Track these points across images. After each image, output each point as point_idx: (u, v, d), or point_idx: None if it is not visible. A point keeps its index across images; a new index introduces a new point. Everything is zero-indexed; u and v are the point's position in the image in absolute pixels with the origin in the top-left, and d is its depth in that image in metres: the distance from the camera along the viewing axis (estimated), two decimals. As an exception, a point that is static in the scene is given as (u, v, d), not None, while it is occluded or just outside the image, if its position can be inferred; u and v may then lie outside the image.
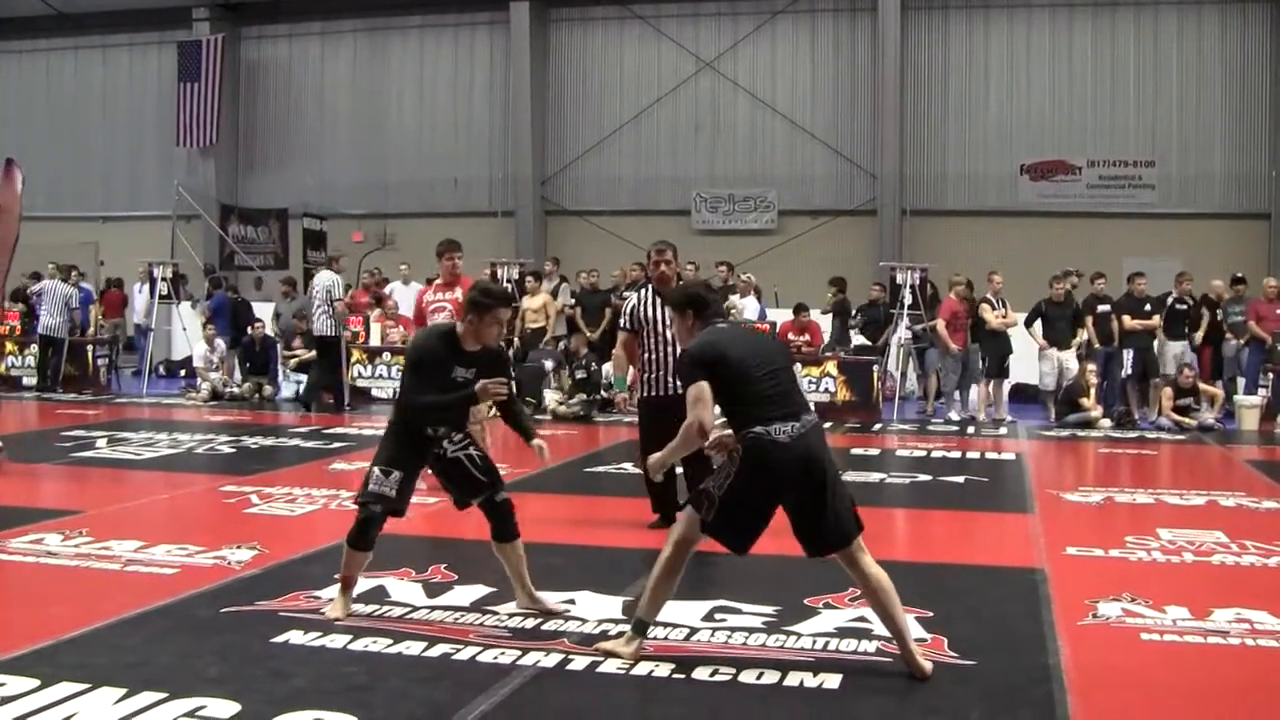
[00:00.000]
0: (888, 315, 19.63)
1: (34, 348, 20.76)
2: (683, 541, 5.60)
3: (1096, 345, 17.79)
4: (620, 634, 5.79)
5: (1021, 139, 24.85)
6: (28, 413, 18.01)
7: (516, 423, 6.74)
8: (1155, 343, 17.99)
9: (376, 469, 6.30)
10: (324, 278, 17.57)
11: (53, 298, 20.54)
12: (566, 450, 14.13)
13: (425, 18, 27.73)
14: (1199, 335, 18.38)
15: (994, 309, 17.97)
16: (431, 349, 6.37)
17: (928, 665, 5.50)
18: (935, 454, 13.96)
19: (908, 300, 18.82)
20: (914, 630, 5.99)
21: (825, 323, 20.04)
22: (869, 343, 19.44)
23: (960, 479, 12.07)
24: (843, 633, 6.04)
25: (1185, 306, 18.25)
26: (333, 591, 6.67)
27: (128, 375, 22.72)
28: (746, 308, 19.48)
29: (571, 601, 6.59)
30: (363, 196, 27.63)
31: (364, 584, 6.79)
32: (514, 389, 6.79)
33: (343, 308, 17.29)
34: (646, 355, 8.98)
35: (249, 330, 20.49)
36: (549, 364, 18.47)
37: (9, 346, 21.28)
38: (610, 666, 5.49)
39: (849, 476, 11.78)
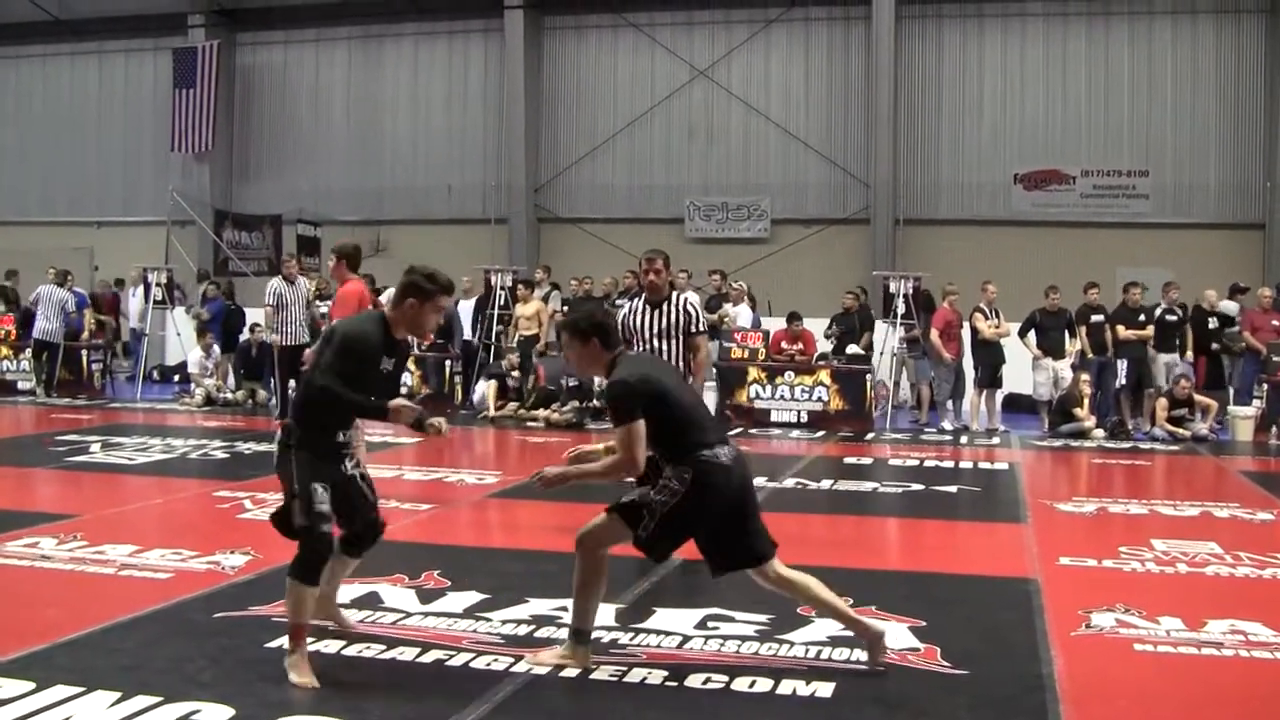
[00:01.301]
0: (864, 320, 19.65)
1: (28, 352, 20.74)
2: (603, 546, 5.65)
3: (1090, 355, 17.79)
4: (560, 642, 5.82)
5: (1015, 148, 24.88)
6: (22, 417, 18.00)
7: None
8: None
9: (318, 486, 5.57)
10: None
11: (49, 302, 20.51)
12: (559, 458, 14.12)
13: (420, 25, 27.74)
14: (1189, 351, 18.27)
15: (986, 318, 17.99)
16: (368, 336, 5.66)
17: (879, 626, 5.75)
18: (928, 463, 13.96)
19: (900, 309, 18.85)
20: (906, 640, 6.02)
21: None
22: (861, 351, 19.43)
23: (953, 489, 12.07)
24: (835, 641, 6.03)
25: (1175, 318, 18.19)
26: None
27: (122, 380, 22.72)
28: (740, 315, 19.51)
29: (564, 609, 6.58)
30: (357, 203, 27.62)
31: (357, 589, 6.79)
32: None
33: (271, 314, 16.14)
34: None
35: (241, 336, 20.49)
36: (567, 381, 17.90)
37: (3, 351, 21.28)
38: (603, 674, 5.49)
39: (841, 485, 11.91)
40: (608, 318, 5.94)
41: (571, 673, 5.50)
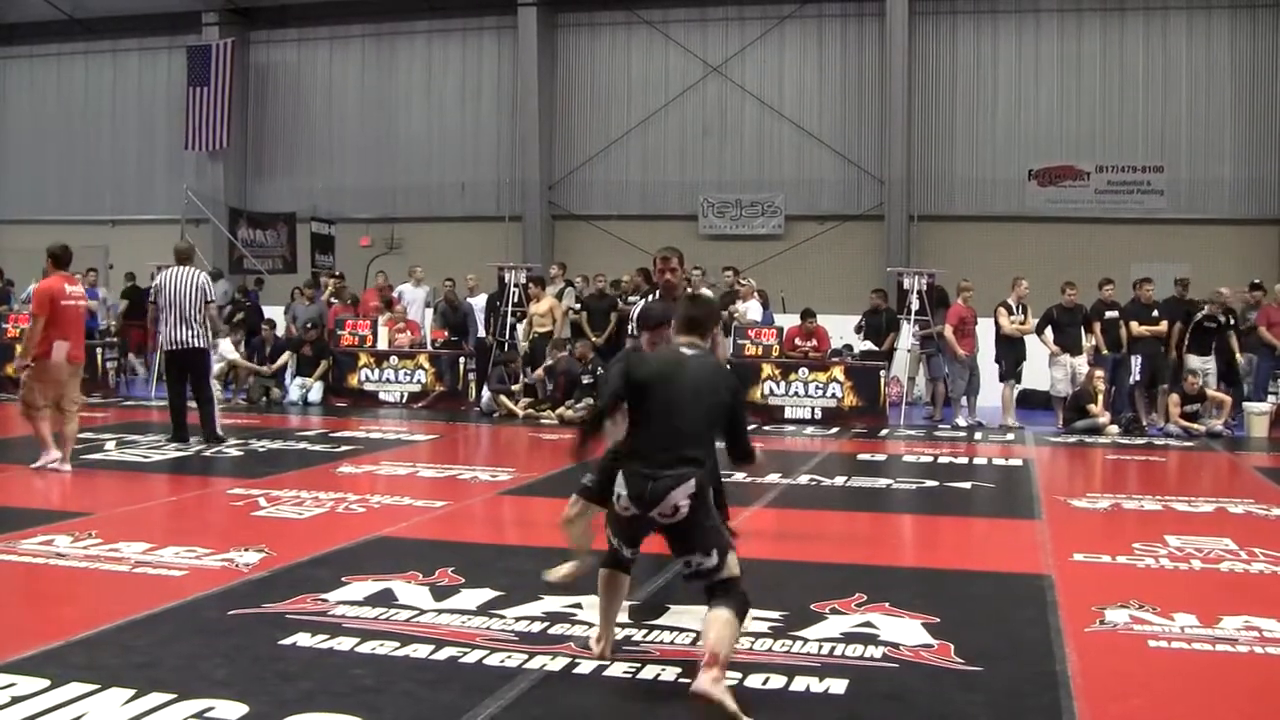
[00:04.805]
0: (889, 321, 19.64)
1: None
2: None
3: (1104, 351, 17.76)
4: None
5: (1029, 144, 24.80)
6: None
7: None
8: (1170, 355, 17.84)
9: None
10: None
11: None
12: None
13: (433, 23, 27.75)
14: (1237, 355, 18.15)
15: (1011, 314, 17.99)
16: None
17: (590, 564, 6.34)
18: (942, 459, 13.95)
19: (914, 306, 18.82)
20: (920, 636, 6.02)
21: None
22: (875, 348, 19.42)
23: (967, 485, 12.06)
24: (849, 638, 6.04)
25: (1215, 325, 18.04)
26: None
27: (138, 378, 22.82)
28: (749, 311, 19.49)
29: (578, 606, 6.59)
30: (371, 201, 27.66)
31: (371, 587, 6.82)
32: None
33: (214, 310, 14.41)
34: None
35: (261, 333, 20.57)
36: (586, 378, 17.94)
37: (19, 349, 21.34)
38: (616, 670, 5.49)
39: (855, 482, 11.92)
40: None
41: (585, 669, 5.50)
